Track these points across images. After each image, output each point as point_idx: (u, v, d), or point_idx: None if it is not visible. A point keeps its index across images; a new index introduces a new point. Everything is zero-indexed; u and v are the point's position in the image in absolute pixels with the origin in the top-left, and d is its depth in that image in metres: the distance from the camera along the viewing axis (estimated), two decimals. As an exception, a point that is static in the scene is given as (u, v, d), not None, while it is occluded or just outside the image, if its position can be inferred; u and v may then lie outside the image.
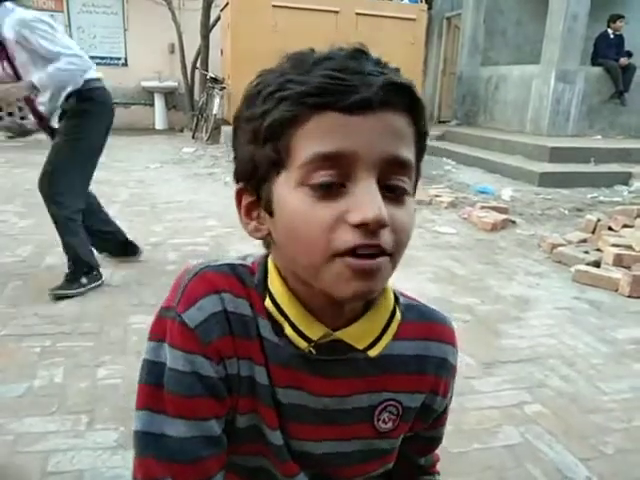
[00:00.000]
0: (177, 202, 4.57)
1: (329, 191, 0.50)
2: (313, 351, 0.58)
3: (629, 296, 2.90)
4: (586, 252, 3.45)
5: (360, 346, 0.58)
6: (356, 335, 0.58)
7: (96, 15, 9.90)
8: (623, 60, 7.62)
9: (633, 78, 7.66)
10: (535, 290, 2.97)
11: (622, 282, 2.96)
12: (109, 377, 1.89)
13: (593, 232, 3.84)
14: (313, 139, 0.50)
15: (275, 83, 0.52)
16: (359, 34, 7.56)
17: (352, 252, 0.50)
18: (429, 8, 9.68)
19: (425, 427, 0.71)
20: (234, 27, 7.58)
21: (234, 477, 0.66)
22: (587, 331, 2.47)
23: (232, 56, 7.51)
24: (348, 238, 0.49)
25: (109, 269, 2.93)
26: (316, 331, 0.57)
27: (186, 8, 9.74)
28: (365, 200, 0.49)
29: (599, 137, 7.60)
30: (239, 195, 0.58)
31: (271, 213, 0.55)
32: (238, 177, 0.58)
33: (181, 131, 9.86)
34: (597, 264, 3.27)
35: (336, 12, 7.89)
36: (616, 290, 2.97)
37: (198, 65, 9.21)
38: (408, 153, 0.52)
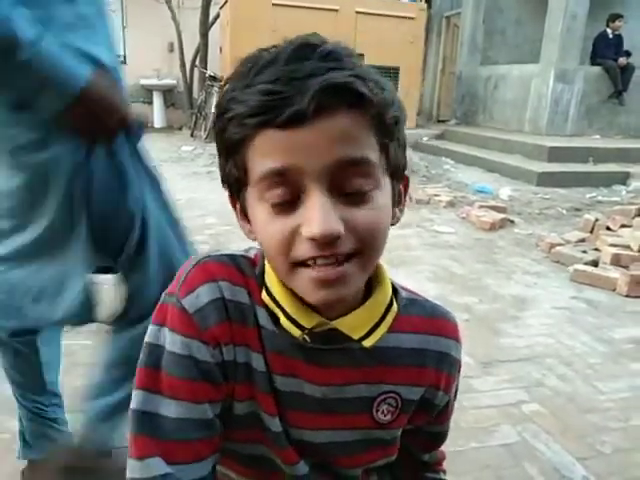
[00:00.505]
0: (176, 200, 4.54)
1: (284, 207, 0.52)
2: (307, 339, 0.59)
3: (627, 296, 2.90)
4: (584, 252, 3.46)
5: (355, 336, 0.59)
6: (351, 325, 0.59)
7: (95, 13, 9.88)
8: (622, 60, 7.62)
9: (632, 78, 7.67)
10: (533, 289, 2.98)
11: (620, 282, 2.96)
12: (107, 375, 1.88)
13: (591, 232, 3.84)
14: (261, 156, 0.51)
15: (224, 101, 0.53)
16: (359, 33, 7.57)
17: (311, 263, 0.52)
18: (428, 7, 9.69)
19: (428, 422, 0.71)
20: (233, 25, 7.58)
21: (237, 466, 0.67)
22: (585, 330, 2.47)
23: (231, 54, 7.51)
24: (304, 250, 0.51)
25: (107, 267, 2.93)
26: (310, 320, 0.58)
27: (185, 6, 9.73)
28: (312, 216, 0.50)
29: (598, 137, 7.61)
30: (232, 200, 0.61)
31: (249, 222, 0.58)
32: (224, 185, 0.61)
33: (180, 129, 9.85)
34: (595, 264, 3.27)
35: (336, 10, 7.89)
36: (614, 290, 2.98)
37: (197, 63, 9.21)
38: (359, 150, 0.51)
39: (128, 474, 0.57)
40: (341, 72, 0.49)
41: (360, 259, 0.53)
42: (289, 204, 0.52)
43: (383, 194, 0.54)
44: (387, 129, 0.53)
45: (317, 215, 0.49)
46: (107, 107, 1.00)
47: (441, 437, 0.76)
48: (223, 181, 0.59)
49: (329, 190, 0.51)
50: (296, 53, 0.50)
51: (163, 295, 0.61)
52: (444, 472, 0.80)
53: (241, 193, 0.57)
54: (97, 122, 1.00)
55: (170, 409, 0.57)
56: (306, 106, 0.48)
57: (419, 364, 0.65)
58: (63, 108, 0.95)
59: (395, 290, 0.65)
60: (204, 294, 0.58)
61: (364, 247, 0.52)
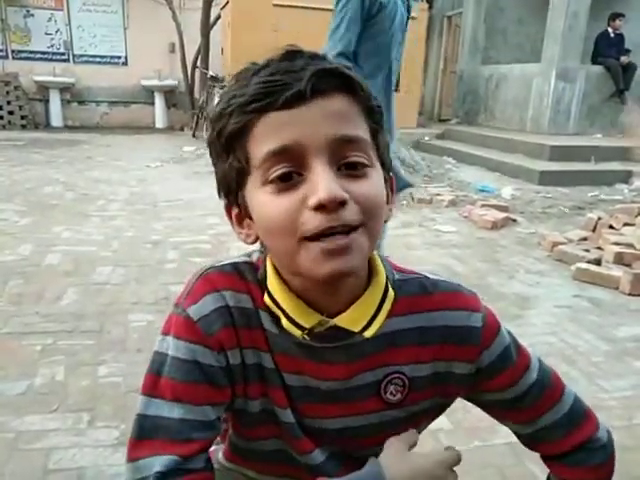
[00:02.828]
0: (177, 201, 4.57)
1: (289, 183, 0.54)
2: (307, 338, 0.61)
3: (630, 294, 2.90)
4: (587, 250, 3.45)
5: (356, 329, 0.61)
6: (351, 319, 0.61)
7: (96, 14, 9.90)
8: (624, 58, 7.61)
9: (634, 77, 7.66)
10: (535, 288, 2.97)
11: (623, 280, 2.96)
12: (110, 375, 1.89)
13: (594, 230, 3.84)
14: (263, 140, 0.55)
15: (223, 102, 0.58)
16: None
17: (319, 235, 0.53)
18: (430, 7, 9.68)
19: (489, 389, 0.69)
20: (234, 26, 7.58)
21: (257, 464, 0.70)
22: (587, 329, 2.47)
23: (232, 55, 7.51)
24: (312, 222, 0.53)
25: (109, 267, 2.93)
26: (309, 319, 0.60)
27: (186, 7, 9.74)
28: (318, 183, 0.53)
29: (599, 136, 7.59)
30: (228, 210, 0.64)
31: (251, 217, 0.60)
32: (221, 194, 0.63)
33: (181, 130, 9.86)
34: (598, 262, 3.27)
35: (336, 10, 7.88)
36: (617, 288, 2.97)
37: (198, 64, 9.21)
38: (354, 129, 0.56)
39: (127, 477, 0.59)
40: (330, 63, 0.56)
41: (365, 229, 0.55)
42: (294, 180, 0.54)
43: (377, 174, 0.58)
44: (375, 116, 0.59)
45: (323, 182, 0.53)
46: None
47: (525, 399, 0.69)
48: (220, 188, 0.62)
49: (329, 164, 0.54)
50: (286, 56, 0.56)
51: (173, 307, 0.64)
52: (604, 443, 0.73)
53: (240, 192, 0.59)
54: None
55: (172, 411, 0.58)
56: (304, 87, 0.53)
57: (420, 342, 0.66)
58: None
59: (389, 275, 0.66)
60: (208, 303, 0.61)
61: (367, 218, 0.55)
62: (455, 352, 0.66)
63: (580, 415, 0.72)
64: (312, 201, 0.53)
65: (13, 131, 8.69)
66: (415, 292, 0.66)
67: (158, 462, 0.57)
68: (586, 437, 0.71)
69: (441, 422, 1.65)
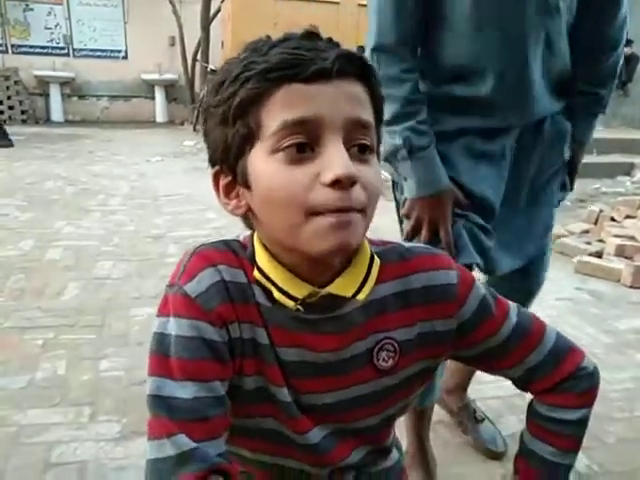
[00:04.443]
0: (178, 195, 4.57)
1: (301, 155, 0.55)
2: (301, 309, 0.61)
3: (631, 287, 2.89)
4: (588, 243, 3.45)
5: (348, 294, 0.62)
6: (342, 286, 0.62)
7: (96, 8, 9.87)
8: (627, 50, 7.57)
9: (636, 68, 7.62)
10: (537, 281, 2.97)
11: (624, 273, 2.95)
12: (111, 369, 1.89)
13: (595, 223, 3.83)
14: (280, 109, 0.55)
15: (238, 67, 0.57)
16: (361, 26, 7.53)
17: (326, 210, 0.54)
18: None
19: (474, 341, 0.70)
20: (235, 19, 7.55)
21: (249, 442, 0.69)
22: (589, 322, 2.47)
23: (233, 48, 7.48)
24: (323, 198, 0.54)
25: (110, 262, 2.94)
26: (301, 290, 0.61)
27: (186, 0, 9.70)
28: (335, 159, 0.54)
29: (601, 128, 7.56)
30: (216, 178, 0.64)
31: (249, 187, 0.59)
32: (213, 161, 0.63)
33: (182, 124, 9.85)
34: (599, 255, 3.26)
35: (337, 3, 7.85)
36: (618, 281, 2.97)
37: (198, 57, 9.18)
38: (367, 115, 0.58)
39: (150, 455, 0.57)
40: (349, 50, 0.57)
41: (364, 215, 0.57)
42: (307, 154, 0.55)
43: (377, 163, 0.60)
44: (381, 107, 0.61)
45: (340, 159, 0.54)
46: None
47: (511, 343, 0.71)
48: (214, 153, 0.62)
49: (344, 144, 0.55)
50: (307, 35, 0.57)
51: (165, 288, 0.63)
52: (590, 372, 0.74)
53: (240, 161, 0.59)
54: None
55: (184, 390, 0.58)
56: (330, 66, 0.54)
57: (404, 306, 0.67)
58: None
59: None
60: (205, 279, 0.61)
61: (368, 204, 0.57)
62: (436, 310, 0.68)
63: (565, 349, 0.74)
64: (328, 176, 0.53)
65: (13, 126, 8.67)
66: (395, 259, 0.68)
67: (188, 441, 0.56)
68: (573, 367, 0.73)
69: (442, 415, 1.66)
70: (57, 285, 2.59)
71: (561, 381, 0.73)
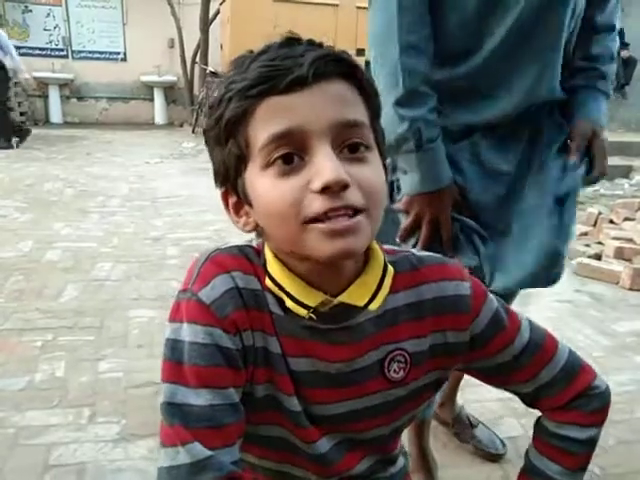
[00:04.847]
0: (177, 197, 4.57)
1: (291, 167, 0.55)
2: (313, 317, 0.61)
3: (630, 289, 2.90)
4: (587, 245, 3.45)
5: (360, 303, 0.62)
6: (355, 294, 0.62)
7: (95, 9, 9.85)
8: (625, 52, 7.60)
9: (634, 71, 7.64)
10: (536, 283, 2.97)
11: (623, 275, 2.96)
12: (110, 371, 1.89)
13: (594, 225, 3.83)
14: (264, 125, 0.55)
15: (222, 87, 0.58)
16: (360, 28, 7.54)
17: (323, 217, 0.54)
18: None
19: (486, 355, 0.70)
20: (234, 21, 7.55)
21: (255, 448, 0.69)
22: (588, 324, 2.47)
23: (231, 50, 7.48)
24: (316, 205, 0.54)
25: (109, 263, 2.93)
26: (314, 298, 0.61)
27: (185, 2, 9.69)
28: (323, 166, 0.53)
29: (600, 130, 7.57)
30: (225, 198, 0.64)
31: (250, 204, 0.60)
32: (219, 182, 0.63)
33: (181, 126, 9.84)
34: (598, 257, 3.27)
35: (336, 6, 7.85)
36: (617, 283, 2.97)
37: (197, 59, 9.18)
38: (355, 114, 0.57)
39: (163, 463, 0.57)
40: (329, 51, 0.57)
41: (368, 213, 0.56)
42: (296, 164, 0.55)
43: (377, 159, 0.59)
44: (375, 103, 0.60)
45: (327, 165, 0.53)
46: None
47: (525, 357, 0.70)
48: (217, 176, 0.62)
49: (332, 148, 0.55)
50: (285, 42, 0.57)
51: (177, 293, 0.62)
52: (598, 392, 0.73)
53: (239, 180, 0.59)
54: None
55: (199, 398, 0.57)
56: (306, 72, 0.53)
57: (416, 317, 0.67)
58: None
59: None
60: (219, 285, 0.60)
61: (369, 203, 0.56)
62: (448, 322, 0.67)
63: (577, 366, 0.73)
64: (317, 184, 0.53)
65: (12, 127, 8.66)
66: (406, 269, 0.68)
67: (203, 449, 0.56)
68: (585, 385, 0.72)
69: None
70: (56, 286, 2.59)
71: (572, 399, 0.72)
